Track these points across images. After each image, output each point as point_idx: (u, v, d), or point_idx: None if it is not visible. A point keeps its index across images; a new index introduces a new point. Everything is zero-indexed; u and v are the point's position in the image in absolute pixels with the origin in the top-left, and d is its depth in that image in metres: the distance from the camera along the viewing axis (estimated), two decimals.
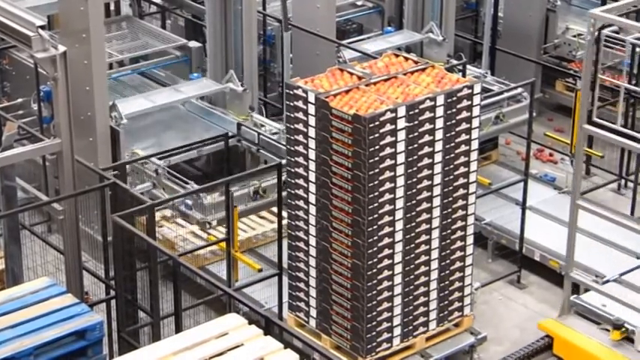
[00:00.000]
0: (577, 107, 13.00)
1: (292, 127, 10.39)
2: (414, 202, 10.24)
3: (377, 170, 9.89)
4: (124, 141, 12.37)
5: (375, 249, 10.11)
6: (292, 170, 10.52)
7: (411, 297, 10.52)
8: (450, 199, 10.48)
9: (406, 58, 10.94)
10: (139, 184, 11.85)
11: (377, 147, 9.83)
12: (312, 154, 10.27)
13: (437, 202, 10.40)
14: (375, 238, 10.08)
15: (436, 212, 10.43)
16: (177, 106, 13.72)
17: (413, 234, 10.33)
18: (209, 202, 11.64)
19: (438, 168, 10.30)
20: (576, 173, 10.78)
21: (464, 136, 10.34)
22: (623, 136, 10.23)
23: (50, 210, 10.78)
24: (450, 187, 10.45)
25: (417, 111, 10.02)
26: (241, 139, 12.98)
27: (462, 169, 10.45)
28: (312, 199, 10.41)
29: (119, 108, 12.44)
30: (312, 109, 10.15)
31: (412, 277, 10.47)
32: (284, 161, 10.91)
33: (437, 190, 10.37)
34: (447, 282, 10.72)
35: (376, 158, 9.85)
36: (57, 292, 8.88)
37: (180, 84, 13.67)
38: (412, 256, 10.40)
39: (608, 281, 11.04)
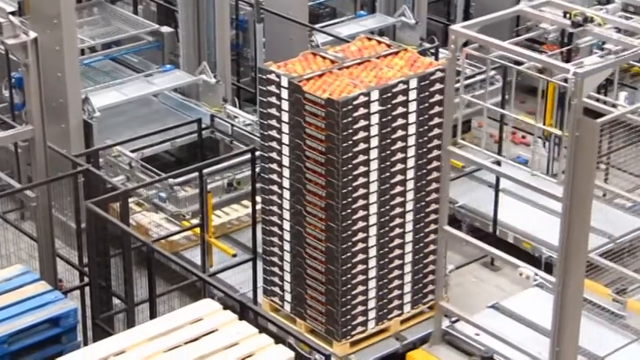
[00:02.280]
0: (549, 90, 13.04)
1: (265, 111, 10.38)
2: (387, 185, 10.26)
3: (350, 154, 9.90)
4: (97, 134, 12.36)
5: (349, 233, 10.13)
6: (266, 155, 10.51)
7: (385, 280, 10.55)
8: (424, 182, 10.50)
9: (379, 42, 10.94)
10: (113, 177, 11.83)
11: (350, 131, 9.84)
12: (285, 139, 10.27)
13: (410, 185, 10.42)
14: (349, 221, 10.09)
15: (410, 195, 10.45)
16: (150, 98, 13.70)
17: (387, 217, 10.35)
18: (183, 195, 11.65)
19: (411, 151, 10.31)
20: (442, 203, 10.33)
21: (437, 120, 10.36)
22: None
23: (23, 197, 10.74)
24: (424, 170, 10.47)
25: (390, 94, 10.03)
26: (215, 131, 12.98)
27: (436, 152, 10.47)
28: (285, 183, 10.41)
29: (92, 101, 12.40)
30: (285, 94, 10.14)
31: (386, 260, 10.49)
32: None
33: (410, 174, 10.39)
34: (421, 265, 10.75)
35: (350, 142, 9.86)
36: (30, 280, 8.87)
37: (153, 76, 13.63)
38: (386, 239, 10.43)
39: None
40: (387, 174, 10.23)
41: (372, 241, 10.32)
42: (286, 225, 10.54)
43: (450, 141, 9.98)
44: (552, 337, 9.39)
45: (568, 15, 9.95)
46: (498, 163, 12.27)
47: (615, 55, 9.09)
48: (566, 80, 8.81)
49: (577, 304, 9.29)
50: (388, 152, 10.17)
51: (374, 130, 10.00)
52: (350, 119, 9.80)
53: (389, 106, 10.05)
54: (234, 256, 11.49)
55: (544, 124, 12.86)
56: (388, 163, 10.21)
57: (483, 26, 10.09)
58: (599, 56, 9.08)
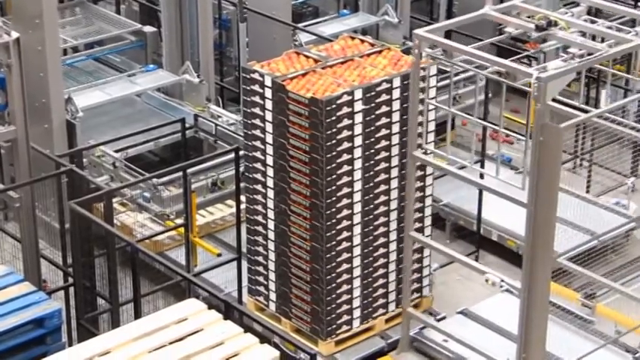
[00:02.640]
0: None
1: (249, 111, 10.37)
2: (371, 184, 10.27)
3: (334, 153, 9.91)
4: (81, 134, 12.34)
5: (334, 232, 10.13)
6: (250, 154, 10.51)
7: (370, 279, 10.56)
8: None
9: (362, 41, 10.95)
10: (97, 178, 11.81)
11: (334, 130, 9.84)
12: (269, 138, 10.27)
13: (395, 183, 10.43)
14: (334, 221, 10.10)
15: (394, 194, 10.46)
16: (133, 97, 13.68)
17: (371, 216, 10.36)
18: (167, 194, 11.64)
19: (395, 150, 10.32)
20: (408, 208, 10.09)
21: (420, 118, 10.37)
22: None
23: (6, 198, 10.71)
24: None
25: (373, 93, 10.04)
26: (198, 131, 12.98)
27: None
28: (270, 183, 10.40)
29: (75, 101, 12.38)
30: (268, 93, 10.14)
31: (371, 259, 10.50)
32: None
33: (394, 172, 10.40)
34: None
35: (333, 141, 9.87)
36: (14, 281, 8.83)
37: (136, 76, 13.62)
38: (371, 238, 10.44)
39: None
40: (371, 173, 10.24)
41: (357, 240, 10.33)
42: (271, 224, 10.53)
43: (417, 145, 9.87)
44: (519, 343, 9.33)
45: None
46: (482, 162, 12.35)
47: (579, 59, 9.00)
48: (529, 85, 8.73)
49: (543, 309, 9.19)
50: (372, 151, 10.18)
51: (358, 129, 10.01)
52: (334, 118, 9.81)
53: (372, 105, 10.06)
54: (219, 255, 11.48)
55: (528, 123, 12.87)
56: (372, 162, 10.22)
57: (465, 24, 10.09)
58: (563, 60, 9.01)
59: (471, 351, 9.88)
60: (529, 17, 9.71)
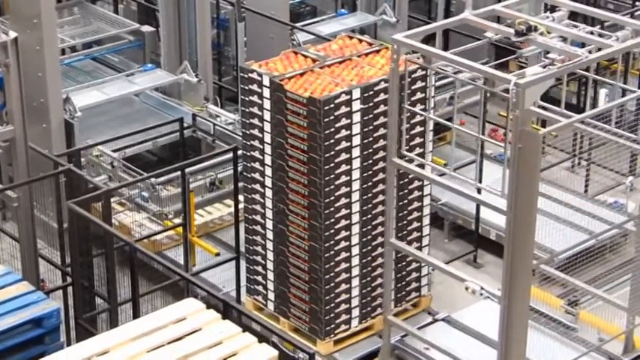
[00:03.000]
0: None
1: (247, 110, 10.38)
2: (370, 183, 10.28)
3: (333, 152, 9.91)
4: (79, 134, 12.34)
5: (332, 231, 10.14)
6: (248, 154, 10.51)
7: (368, 278, 10.56)
8: (406, 179, 10.52)
9: (360, 40, 10.96)
10: (95, 177, 11.81)
11: (332, 129, 9.85)
12: (267, 138, 10.27)
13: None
14: (332, 220, 10.10)
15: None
16: (131, 97, 13.69)
17: (370, 215, 10.37)
18: (165, 194, 11.64)
19: None
20: (388, 215, 9.98)
21: (418, 117, 10.38)
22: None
23: (4, 198, 10.72)
24: None
25: (371, 93, 10.04)
26: (197, 130, 12.99)
27: (418, 150, 10.49)
28: (268, 182, 10.41)
29: (73, 101, 12.38)
30: (266, 93, 10.14)
31: (369, 258, 10.51)
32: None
33: None
34: (404, 263, 10.77)
35: (332, 140, 9.87)
36: (12, 280, 8.83)
37: (135, 76, 13.62)
38: (369, 237, 10.44)
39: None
40: (369, 172, 10.25)
41: (355, 240, 10.33)
42: (269, 224, 10.54)
43: (397, 152, 9.76)
44: (499, 351, 9.25)
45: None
46: (480, 161, 12.32)
47: (560, 65, 8.92)
48: (507, 91, 8.61)
49: (523, 318, 9.11)
50: (370, 150, 10.18)
51: (356, 129, 10.01)
52: (332, 118, 9.81)
53: (371, 104, 10.06)
54: (217, 255, 11.48)
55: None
56: (370, 162, 10.22)
57: (463, 24, 10.08)
58: (542, 66, 8.93)
59: (452, 359, 9.83)
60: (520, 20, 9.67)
